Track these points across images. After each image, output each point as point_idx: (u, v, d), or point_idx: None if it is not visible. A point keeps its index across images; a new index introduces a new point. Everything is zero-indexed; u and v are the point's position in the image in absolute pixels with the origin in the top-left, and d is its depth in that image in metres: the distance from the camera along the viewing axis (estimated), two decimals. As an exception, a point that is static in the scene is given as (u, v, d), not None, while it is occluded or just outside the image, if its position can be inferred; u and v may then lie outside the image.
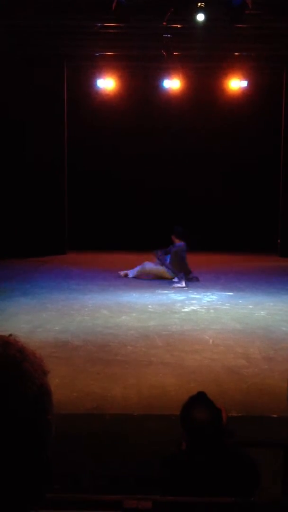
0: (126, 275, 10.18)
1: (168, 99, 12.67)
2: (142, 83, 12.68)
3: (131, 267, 10.31)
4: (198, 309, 7.84)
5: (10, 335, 0.96)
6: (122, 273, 10.24)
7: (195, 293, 8.86)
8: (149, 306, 7.94)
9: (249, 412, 4.52)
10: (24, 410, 0.89)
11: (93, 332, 6.62)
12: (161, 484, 2.69)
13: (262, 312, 7.63)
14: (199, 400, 2.69)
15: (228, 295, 8.70)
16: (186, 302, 8.27)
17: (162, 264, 10.17)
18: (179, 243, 10.24)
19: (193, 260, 10.36)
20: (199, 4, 8.42)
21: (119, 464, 3.86)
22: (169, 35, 10.26)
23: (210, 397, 2.71)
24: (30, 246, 11.60)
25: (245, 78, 12.43)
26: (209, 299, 8.45)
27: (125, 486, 3.64)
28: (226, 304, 8.09)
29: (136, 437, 4.21)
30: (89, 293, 8.68)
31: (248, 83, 12.49)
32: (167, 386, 5.01)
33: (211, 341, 6.35)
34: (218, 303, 8.20)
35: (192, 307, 7.95)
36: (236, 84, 12.50)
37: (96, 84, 12.61)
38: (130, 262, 10.59)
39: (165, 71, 12.31)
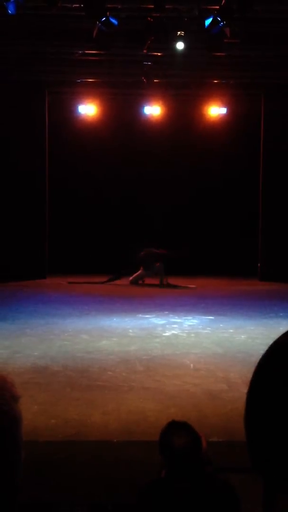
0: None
1: (149, 125, 12.80)
2: (123, 109, 12.81)
3: (112, 292, 10.29)
4: (179, 333, 7.82)
5: None
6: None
7: (176, 317, 8.85)
8: (130, 331, 7.90)
9: (229, 437, 4.49)
10: None
11: (73, 357, 6.55)
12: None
13: (242, 336, 7.64)
14: (178, 426, 2.66)
15: (209, 319, 8.70)
16: (167, 326, 8.25)
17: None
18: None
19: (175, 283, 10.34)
20: (178, 32, 8.59)
21: (98, 492, 3.79)
22: (149, 63, 10.42)
23: (191, 422, 2.68)
24: (9, 271, 11.51)
25: (224, 105, 12.63)
26: (190, 323, 8.44)
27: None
28: (207, 328, 8.09)
29: (116, 464, 4.15)
30: (69, 317, 8.62)
31: (227, 110, 12.70)
32: (147, 411, 4.96)
33: (192, 365, 6.33)
34: (199, 327, 8.19)
35: (173, 331, 7.93)
36: (215, 110, 12.70)
37: (77, 110, 12.71)
38: (110, 286, 10.52)
39: (146, 98, 12.47)
